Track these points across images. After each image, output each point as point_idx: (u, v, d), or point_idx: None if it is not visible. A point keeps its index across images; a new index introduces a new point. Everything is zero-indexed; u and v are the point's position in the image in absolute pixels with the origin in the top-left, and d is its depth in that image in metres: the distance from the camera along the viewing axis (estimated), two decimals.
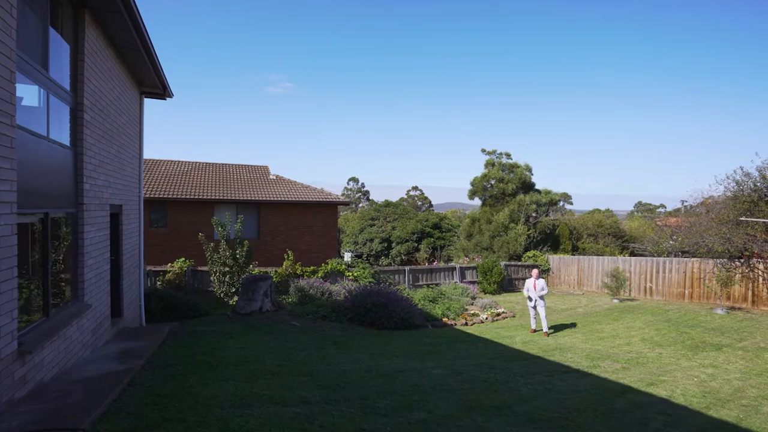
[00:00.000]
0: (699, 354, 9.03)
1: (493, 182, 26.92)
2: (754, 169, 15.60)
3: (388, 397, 4.74)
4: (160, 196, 16.25)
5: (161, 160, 20.11)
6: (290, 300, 13.39)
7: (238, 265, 12.65)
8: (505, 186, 26.12)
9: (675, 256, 18.83)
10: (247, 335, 8.09)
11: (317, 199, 18.35)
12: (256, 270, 13.77)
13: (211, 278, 12.79)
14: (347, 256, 28.39)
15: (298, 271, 15.00)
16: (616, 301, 17.00)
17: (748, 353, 9.29)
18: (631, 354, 8.66)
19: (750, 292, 15.59)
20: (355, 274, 15.98)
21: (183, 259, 13.93)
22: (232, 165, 21.20)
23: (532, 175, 26.99)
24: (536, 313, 11.34)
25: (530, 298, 11.30)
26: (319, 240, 18.63)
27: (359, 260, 18.35)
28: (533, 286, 11.30)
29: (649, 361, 8.01)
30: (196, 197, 16.74)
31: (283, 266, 14.89)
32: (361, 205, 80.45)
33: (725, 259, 16.26)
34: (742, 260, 15.76)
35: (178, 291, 12.54)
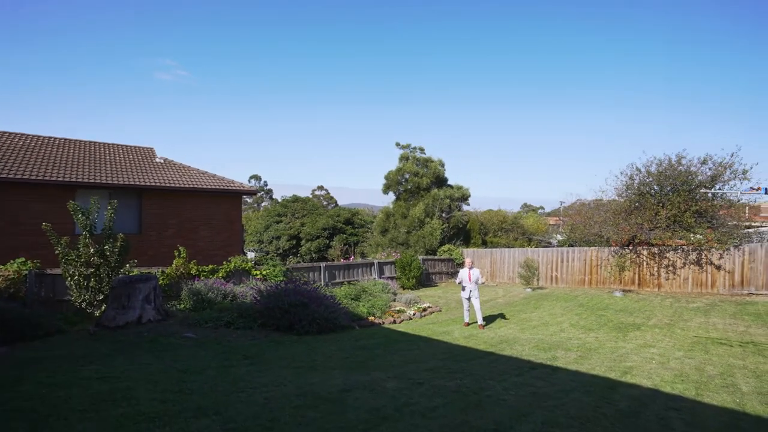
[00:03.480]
0: (628, 335, 9.10)
1: (407, 176, 26.50)
2: (641, 165, 17.39)
3: None
4: None
5: None
6: (183, 306, 10.78)
7: (109, 264, 9.64)
8: (420, 180, 25.87)
9: (574, 246, 20.23)
10: (116, 358, 5.72)
11: (218, 187, 15.58)
12: (136, 270, 10.81)
13: (67, 283, 9.55)
14: (251, 256, 25.45)
15: (193, 271, 12.32)
16: (529, 290, 17.51)
17: (663, 330, 9.70)
18: (573, 341, 8.31)
19: (637, 276, 17.21)
20: (264, 272, 13.80)
21: (22, 259, 10.28)
22: (106, 144, 17.07)
23: (445, 170, 27.25)
24: (470, 305, 10.65)
25: (464, 289, 10.56)
26: (220, 235, 15.87)
27: (268, 257, 16.08)
28: (467, 276, 10.58)
29: (595, 346, 7.67)
30: (49, 179, 12.81)
31: (173, 265, 12.07)
32: (264, 204, 75.82)
33: (617, 247, 17.87)
34: (630, 248, 17.40)
35: (13, 302, 9.10)
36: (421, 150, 27.55)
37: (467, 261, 10.95)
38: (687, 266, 16.24)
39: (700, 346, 8.03)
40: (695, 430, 3.56)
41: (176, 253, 12.37)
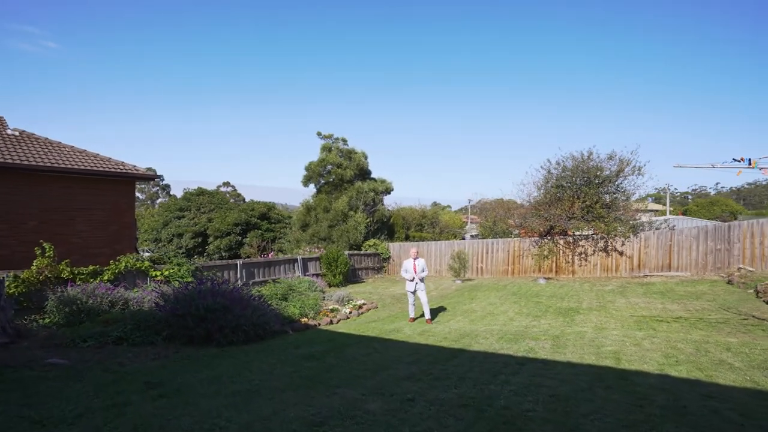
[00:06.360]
0: (575, 319, 9.03)
1: (330, 168, 25.02)
2: (558, 161, 18.40)
3: None
4: None
5: None
6: (49, 321, 8.10)
7: None
8: (344, 172, 24.59)
9: (497, 238, 20.78)
10: None
11: (102, 169, 12.48)
12: None
13: None
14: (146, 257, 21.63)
15: (65, 274, 9.46)
16: (459, 282, 17.37)
17: (600, 312, 9.88)
18: (532, 329, 7.86)
19: (554, 264, 18.14)
20: (167, 272, 11.36)
21: None
22: None
23: (369, 162, 26.35)
24: (415, 298, 9.78)
25: (410, 281, 9.64)
26: (105, 229, 12.77)
27: (171, 255, 13.43)
28: (413, 267, 9.68)
29: (557, 333, 7.26)
30: None
31: (34, 267, 9.12)
32: (159, 200, 67.72)
33: (537, 237, 18.69)
34: (548, 237, 18.31)
35: None
36: (344, 141, 26.27)
37: (412, 251, 10.05)
38: (596, 253, 17.52)
39: (645, 324, 8.16)
40: (747, 420, 2.97)
41: (39, 252, 9.40)
